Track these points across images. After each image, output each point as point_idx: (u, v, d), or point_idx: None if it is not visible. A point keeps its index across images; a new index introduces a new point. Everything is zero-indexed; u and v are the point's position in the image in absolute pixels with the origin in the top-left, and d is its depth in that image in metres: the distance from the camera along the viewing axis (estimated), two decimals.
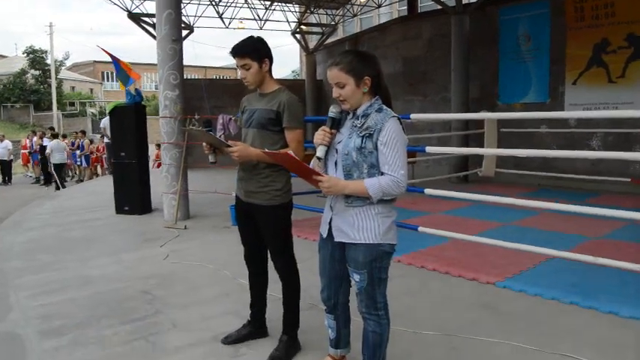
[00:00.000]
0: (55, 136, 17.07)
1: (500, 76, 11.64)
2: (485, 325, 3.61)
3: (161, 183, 7.69)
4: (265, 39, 3.14)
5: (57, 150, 15.78)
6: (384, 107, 2.49)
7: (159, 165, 9.88)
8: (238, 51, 3.05)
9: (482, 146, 9.72)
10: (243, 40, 3.09)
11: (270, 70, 3.14)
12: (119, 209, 8.30)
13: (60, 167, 15.87)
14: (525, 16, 11.05)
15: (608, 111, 9.39)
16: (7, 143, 17.76)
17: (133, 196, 8.20)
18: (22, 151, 19.89)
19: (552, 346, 3.27)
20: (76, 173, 18.67)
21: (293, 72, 40.64)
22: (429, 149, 5.16)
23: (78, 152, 17.98)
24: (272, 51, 3.14)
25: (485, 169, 9.63)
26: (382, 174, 2.40)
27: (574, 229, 6.29)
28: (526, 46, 11.08)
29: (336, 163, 2.51)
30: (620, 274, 4.25)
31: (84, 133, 19.44)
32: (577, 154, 5.65)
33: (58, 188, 15.00)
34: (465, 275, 4.66)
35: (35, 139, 18.31)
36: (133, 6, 14.70)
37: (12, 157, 18.00)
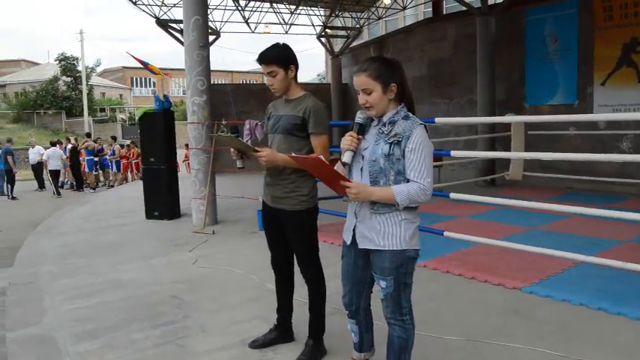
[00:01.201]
0: (55, 143, 17.53)
1: (527, 77, 11.52)
2: (510, 331, 3.60)
3: (189, 188, 7.83)
4: (291, 43, 3.19)
5: (53, 157, 16.36)
6: (411, 115, 2.53)
7: (188, 164, 10.04)
8: (265, 58, 3.10)
9: (509, 149, 9.63)
10: (269, 48, 3.14)
11: (295, 77, 3.20)
12: (149, 214, 8.47)
13: (55, 174, 16.38)
14: (552, 17, 10.92)
15: (637, 113, 9.21)
16: (39, 149, 18.18)
17: (163, 202, 8.37)
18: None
19: (579, 352, 3.24)
20: (107, 179, 19.02)
21: (318, 75, 40.79)
22: (454, 153, 5.15)
23: (108, 157, 18.31)
24: (297, 55, 3.19)
25: (512, 172, 9.53)
26: (408, 181, 2.43)
27: (603, 233, 6.20)
28: (553, 46, 10.94)
29: (362, 170, 2.54)
30: None
31: (114, 138, 19.80)
32: (605, 157, 5.60)
33: (58, 194, 15.70)
34: (491, 280, 4.64)
35: (68, 145, 18.70)
36: (161, 12, 14.96)
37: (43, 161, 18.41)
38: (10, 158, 15.49)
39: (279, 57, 3.10)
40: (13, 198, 15.00)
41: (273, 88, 3.17)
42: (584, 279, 4.57)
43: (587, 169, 9.86)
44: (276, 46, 3.16)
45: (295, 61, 3.17)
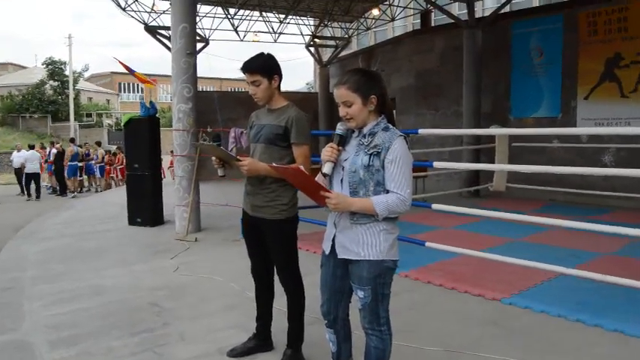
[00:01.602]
0: (33, 147, 17.43)
1: (512, 90, 11.66)
2: (489, 342, 3.62)
3: (173, 195, 7.79)
4: (279, 52, 3.23)
5: (30, 160, 16.27)
6: (391, 126, 2.55)
7: (172, 171, 10.01)
8: (249, 67, 3.11)
9: (493, 160, 9.71)
10: (253, 57, 3.15)
11: (279, 87, 3.21)
12: (132, 220, 8.41)
13: (32, 177, 16.23)
14: (538, 30, 11.08)
15: (619, 127, 9.36)
16: (24, 152, 18.02)
17: (146, 208, 8.32)
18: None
19: None
20: (92, 184, 18.89)
21: (307, 84, 40.88)
22: (436, 164, 5.19)
23: (93, 162, 18.19)
24: (287, 63, 3.21)
25: (496, 183, 9.60)
26: (387, 192, 2.45)
27: (584, 245, 6.26)
28: (538, 60, 11.10)
29: (342, 180, 2.55)
30: (628, 292, 4.21)
31: (99, 144, 19.68)
32: (588, 170, 5.64)
33: (37, 197, 15.88)
34: (471, 291, 4.67)
35: (52, 149, 18.56)
36: (150, 19, 14.96)
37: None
38: None
39: (264, 66, 3.12)
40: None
41: (257, 98, 3.18)
42: (563, 291, 4.61)
43: (570, 181, 9.97)
44: (260, 55, 3.17)
45: (279, 71, 3.18)
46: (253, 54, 3.20)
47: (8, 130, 32.94)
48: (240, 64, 3.17)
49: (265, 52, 3.20)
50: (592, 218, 7.40)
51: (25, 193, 16.11)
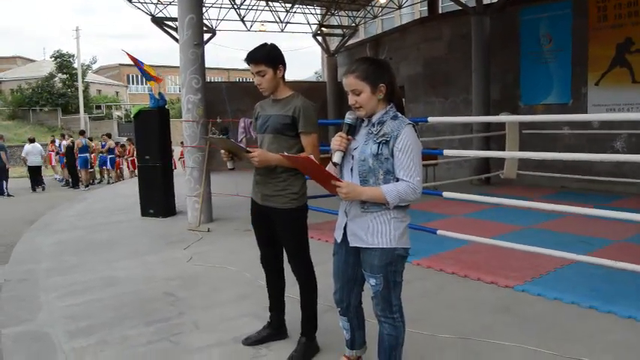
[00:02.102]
0: (33, 140, 17.52)
1: (522, 77, 11.56)
2: (501, 329, 3.64)
3: (185, 186, 7.84)
4: (287, 41, 3.24)
5: (32, 153, 16.54)
6: (399, 115, 2.55)
7: (184, 162, 10.06)
8: (253, 58, 3.12)
9: (503, 148, 9.68)
10: (257, 47, 3.16)
11: (283, 76, 3.22)
12: (144, 212, 8.48)
13: (34, 170, 16.52)
14: (546, 17, 10.97)
15: (631, 113, 9.28)
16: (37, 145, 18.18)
17: (158, 199, 8.38)
18: (50, 153, 20.28)
19: (568, 350, 3.28)
20: (104, 177, 19.02)
21: (316, 73, 40.76)
22: (446, 152, 5.18)
23: (108, 155, 18.28)
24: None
25: (506, 171, 9.57)
26: (397, 180, 2.46)
27: (596, 232, 6.25)
28: (547, 46, 10.99)
29: (351, 169, 2.57)
30: None
31: (109, 135, 19.75)
32: (599, 157, 5.63)
33: (33, 190, 16.14)
34: (484, 278, 4.67)
35: (64, 142, 18.66)
36: (157, 10, 14.96)
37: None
38: (2, 154, 15.45)
39: (268, 57, 3.12)
40: (8, 195, 14.94)
41: (262, 88, 3.19)
42: (576, 278, 4.60)
43: (582, 168, 9.93)
44: (264, 46, 3.17)
45: (283, 60, 3.19)
46: (260, 44, 3.20)
47: (19, 123, 33.16)
48: (245, 55, 3.17)
49: (269, 42, 3.20)
50: (603, 205, 7.37)
51: (32, 186, 16.33)
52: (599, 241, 5.90)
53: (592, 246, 5.59)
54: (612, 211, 4.08)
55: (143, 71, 8.96)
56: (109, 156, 18.18)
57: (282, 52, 3.19)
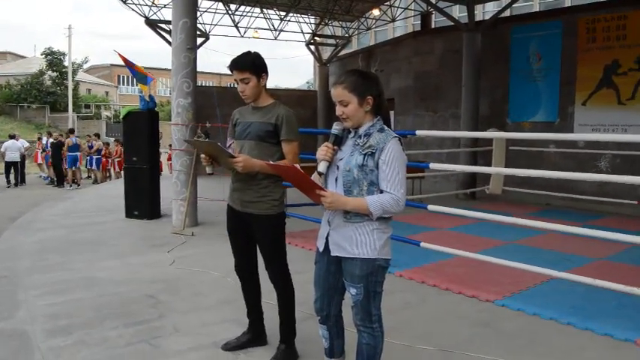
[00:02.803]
0: (13, 136, 17.60)
1: (511, 94, 11.70)
2: (481, 342, 3.66)
3: (171, 189, 7.81)
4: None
5: (11, 149, 16.79)
6: (386, 128, 2.59)
7: (170, 165, 10.04)
8: (238, 65, 3.16)
9: (490, 163, 9.76)
10: (241, 55, 3.20)
11: (265, 85, 3.27)
12: (129, 213, 8.43)
13: (11, 165, 16.84)
14: (537, 36, 11.12)
15: (616, 134, 9.44)
16: (23, 142, 18.07)
17: (143, 201, 8.34)
18: (37, 151, 20.14)
19: None
20: (90, 176, 18.90)
21: (307, 83, 40.90)
22: (432, 166, 5.21)
23: (95, 155, 18.18)
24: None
25: (492, 186, 9.66)
26: (381, 191, 2.49)
27: (578, 250, 6.31)
28: (537, 65, 11.14)
29: (336, 179, 2.59)
30: (618, 297, 4.26)
31: (97, 135, 19.66)
32: (583, 176, 5.65)
33: (7, 185, 16.43)
34: (465, 292, 4.71)
35: (50, 139, 18.54)
36: (151, 12, 14.95)
37: (26, 154, 18.33)
38: None
39: (253, 64, 3.17)
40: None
41: (245, 95, 3.23)
42: (556, 294, 4.65)
43: (566, 186, 10.03)
44: (248, 53, 3.22)
45: (266, 69, 3.24)
46: (253, 50, 3.24)
47: (6, 119, 32.84)
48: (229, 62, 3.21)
49: (252, 51, 3.25)
50: (587, 223, 7.47)
51: (6, 180, 16.62)
52: (580, 258, 5.97)
53: (573, 263, 5.65)
54: (594, 229, 4.13)
55: (135, 72, 8.94)
56: (96, 156, 18.06)
57: (265, 62, 3.25)
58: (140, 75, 8.92)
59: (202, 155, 3.26)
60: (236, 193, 3.31)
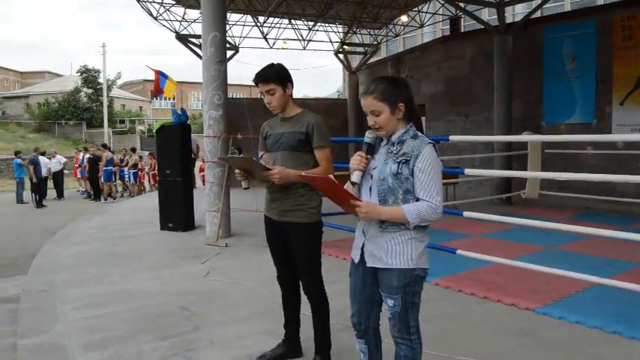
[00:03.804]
0: (42, 153, 17.75)
1: (545, 96, 11.44)
2: (522, 352, 3.55)
3: (204, 201, 7.86)
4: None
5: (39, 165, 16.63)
6: (419, 134, 2.52)
7: (203, 177, 10.15)
8: (262, 77, 3.17)
9: (525, 167, 9.56)
10: (265, 67, 3.22)
11: (292, 94, 3.26)
12: (163, 225, 8.52)
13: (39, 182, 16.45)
14: (570, 36, 10.87)
15: None
16: (60, 158, 18.52)
17: (177, 213, 8.41)
18: (75, 166, 20.65)
19: None
20: (125, 190, 19.24)
21: (337, 91, 40.94)
22: (467, 172, 5.12)
23: (126, 169, 18.51)
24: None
25: (528, 191, 9.44)
26: (417, 200, 2.43)
27: (620, 254, 6.10)
28: (571, 65, 10.88)
29: (370, 189, 2.53)
30: None
31: (133, 150, 20.02)
32: (623, 178, 5.50)
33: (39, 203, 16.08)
34: (504, 300, 4.58)
35: (86, 155, 18.98)
36: (181, 27, 15.19)
37: (64, 170, 18.75)
38: (31, 168, 15.73)
39: (277, 75, 3.17)
40: (42, 206, 15.16)
41: (272, 106, 3.23)
42: (599, 301, 4.48)
43: (605, 189, 9.73)
44: (272, 65, 3.23)
45: (291, 79, 3.24)
46: (282, 61, 3.25)
47: (45, 136, 33.85)
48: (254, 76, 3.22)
49: (275, 62, 3.26)
50: (628, 227, 7.22)
51: (32, 199, 16.34)
52: (622, 263, 5.76)
53: (616, 269, 5.45)
54: (637, 233, 3.96)
55: (164, 82, 9.05)
56: (132, 171, 18.38)
57: (289, 72, 3.24)
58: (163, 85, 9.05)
59: (237, 171, 3.25)
60: (274, 204, 3.29)
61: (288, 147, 3.20)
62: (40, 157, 17.36)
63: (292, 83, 3.23)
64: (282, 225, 3.25)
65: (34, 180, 15.80)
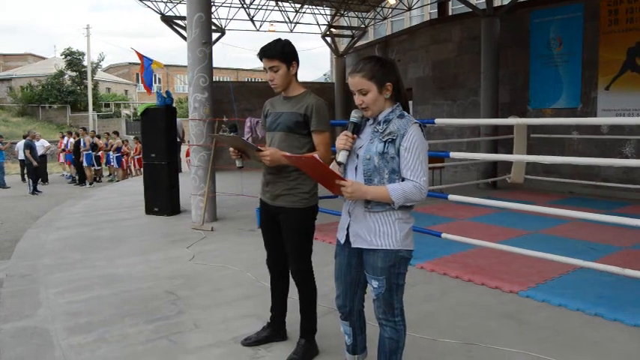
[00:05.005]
0: (26, 136, 17.73)
1: (531, 80, 11.46)
2: (505, 335, 3.58)
3: (189, 185, 7.82)
4: (296, 42, 3.16)
5: (22, 149, 16.73)
6: (406, 113, 2.51)
7: (189, 161, 10.06)
8: (267, 53, 3.07)
9: (511, 152, 9.60)
10: (271, 42, 3.11)
11: (296, 73, 3.17)
12: (148, 210, 8.47)
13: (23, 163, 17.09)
14: (557, 20, 10.87)
15: None
16: (43, 142, 18.25)
17: (163, 197, 8.36)
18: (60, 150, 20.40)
19: (573, 357, 3.22)
20: (110, 174, 19.07)
21: (324, 75, 40.74)
22: (452, 155, 5.11)
23: (111, 153, 18.34)
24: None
25: (514, 175, 9.50)
26: (403, 179, 2.42)
27: (603, 238, 6.17)
28: (557, 50, 10.89)
29: (356, 168, 2.52)
30: None
31: (116, 133, 19.81)
32: (608, 162, 5.53)
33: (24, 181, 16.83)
34: (488, 283, 4.61)
35: (70, 139, 18.76)
36: (167, 9, 14.98)
37: (48, 153, 18.51)
38: (27, 152, 15.45)
39: (282, 52, 3.07)
40: (36, 192, 14.85)
41: (274, 84, 3.13)
42: (582, 284, 4.53)
43: (590, 173, 9.83)
44: (278, 41, 3.12)
45: (297, 57, 3.14)
46: (274, 39, 3.15)
47: (28, 120, 33.33)
48: (257, 54, 3.13)
49: (283, 38, 3.15)
50: (611, 211, 7.30)
51: (21, 178, 17.25)
52: (606, 247, 5.82)
53: (599, 252, 5.52)
54: (620, 217, 4.00)
55: (150, 71, 8.95)
56: (116, 154, 18.19)
57: (296, 50, 3.15)
58: (150, 76, 8.95)
59: (231, 149, 3.17)
60: (267, 187, 3.24)
61: (285, 127, 3.13)
62: (22, 141, 17.14)
63: (298, 62, 3.14)
64: (274, 209, 3.21)
65: (35, 164, 15.53)
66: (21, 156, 16.68)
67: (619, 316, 3.80)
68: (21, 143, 16.96)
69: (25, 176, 17.13)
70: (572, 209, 4.64)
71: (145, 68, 9.24)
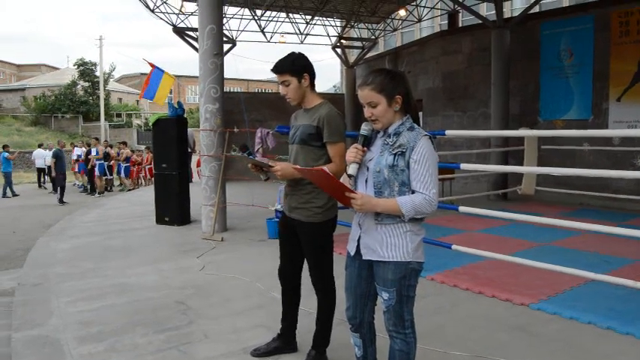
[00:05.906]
0: (40, 145, 18.14)
1: (542, 91, 11.45)
2: (516, 347, 3.56)
3: (200, 195, 7.85)
4: (306, 53, 3.18)
5: (38, 157, 19.27)
6: (416, 126, 2.52)
7: (199, 171, 10.11)
8: (278, 68, 3.13)
9: (522, 163, 9.57)
10: (283, 58, 3.15)
11: (311, 85, 3.19)
12: (159, 219, 8.51)
13: (41, 171, 19.38)
14: (568, 31, 10.87)
15: None
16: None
17: (173, 207, 8.40)
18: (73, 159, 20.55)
19: None
20: (122, 184, 19.17)
21: (334, 86, 40.88)
22: (463, 166, 5.10)
23: (123, 164, 18.42)
24: (313, 65, 3.17)
25: (524, 187, 9.46)
26: (413, 192, 2.42)
27: (616, 251, 6.11)
28: (568, 61, 10.88)
29: (366, 181, 2.53)
30: None
31: (125, 144, 19.93)
32: (619, 174, 5.52)
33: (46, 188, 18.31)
34: (499, 296, 4.59)
35: (83, 149, 18.91)
36: (179, 21, 15.14)
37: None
38: (53, 162, 15.42)
39: (292, 66, 3.10)
40: (62, 202, 14.49)
41: (288, 98, 3.17)
42: (594, 297, 4.49)
43: (601, 185, 9.77)
44: (289, 55, 3.16)
45: (310, 69, 3.16)
46: (279, 55, 3.21)
47: (41, 129, 33.68)
48: (268, 66, 3.20)
49: (296, 52, 3.19)
50: (623, 223, 7.24)
51: (38, 184, 19.15)
52: (618, 260, 5.77)
53: (611, 265, 5.47)
54: (632, 229, 3.97)
55: (158, 81, 8.99)
56: (124, 164, 18.27)
57: (310, 62, 3.17)
58: (155, 88, 9.00)
59: (249, 165, 3.21)
60: (286, 198, 3.27)
61: (300, 140, 3.15)
62: (38, 150, 17.36)
63: (311, 74, 3.15)
64: (291, 221, 3.23)
65: (52, 174, 15.68)
66: (39, 164, 16.90)
67: (631, 330, 3.76)
68: (38, 152, 17.21)
69: (44, 184, 17.67)
70: (584, 221, 4.60)
71: (151, 80, 9.27)
